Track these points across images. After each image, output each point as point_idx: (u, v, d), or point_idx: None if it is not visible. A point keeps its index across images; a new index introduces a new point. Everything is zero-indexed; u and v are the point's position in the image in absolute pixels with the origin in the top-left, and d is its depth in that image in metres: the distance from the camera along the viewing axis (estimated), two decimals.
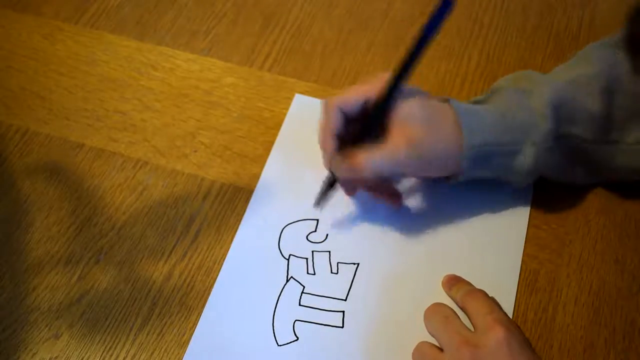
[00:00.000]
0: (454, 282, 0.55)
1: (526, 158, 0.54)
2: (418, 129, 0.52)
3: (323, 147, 0.55)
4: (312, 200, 0.60)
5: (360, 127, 0.54)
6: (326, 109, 0.54)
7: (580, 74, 0.56)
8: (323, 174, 0.62)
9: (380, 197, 0.59)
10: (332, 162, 0.55)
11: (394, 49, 0.70)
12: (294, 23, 0.72)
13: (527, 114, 0.54)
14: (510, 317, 0.53)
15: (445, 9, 0.49)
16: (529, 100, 0.55)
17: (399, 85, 0.52)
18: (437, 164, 0.54)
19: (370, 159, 0.52)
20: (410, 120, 0.52)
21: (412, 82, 0.53)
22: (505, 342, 0.47)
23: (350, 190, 0.58)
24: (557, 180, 0.58)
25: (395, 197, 0.59)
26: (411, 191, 0.60)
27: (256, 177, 0.62)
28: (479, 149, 0.53)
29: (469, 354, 0.47)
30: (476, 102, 0.58)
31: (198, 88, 0.68)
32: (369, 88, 0.53)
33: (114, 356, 0.53)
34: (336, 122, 0.54)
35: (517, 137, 0.54)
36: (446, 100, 0.55)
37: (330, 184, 0.57)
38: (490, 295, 0.53)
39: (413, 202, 0.60)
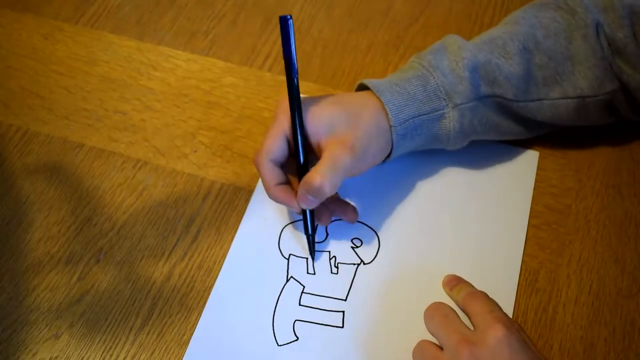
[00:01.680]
0: (454, 283, 0.55)
1: (450, 121, 0.56)
2: (344, 131, 0.54)
3: (282, 202, 0.55)
4: None
5: (296, 161, 0.55)
6: (258, 168, 0.55)
7: (499, 35, 0.58)
8: None
9: (341, 215, 0.59)
10: (297, 200, 0.54)
11: (394, 49, 0.70)
12: (294, 23, 0.72)
13: (447, 79, 0.56)
14: (510, 317, 0.53)
15: (287, 25, 0.51)
16: (448, 63, 0.56)
17: (296, 108, 0.53)
18: (376, 151, 0.55)
19: (322, 175, 0.52)
20: (334, 127, 0.54)
21: None
22: (505, 341, 0.47)
23: (325, 219, 0.58)
24: (493, 139, 0.60)
25: (352, 211, 0.59)
26: (411, 191, 0.60)
27: (256, 177, 0.62)
28: (406, 124, 0.55)
29: (469, 353, 0.47)
30: (397, 71, 0.59)
31: (198, 88, 0.68)
32: (280, 123, 0.54)
33: (114, 356, 0.53)
34: (271, 174, 0.55)
35: (439, 103, 0.56)
36: (364, 86, 0.57)
37: (310, 229, 0.56)
38: (490, 297, 0.53)
39: (413, 202, 0.60)
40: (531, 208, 0.59)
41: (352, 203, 0.60)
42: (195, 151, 0.64)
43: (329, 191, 0.53)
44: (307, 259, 0.57)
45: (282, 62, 0.69)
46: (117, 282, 0.57)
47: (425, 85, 0.56)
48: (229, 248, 0.58)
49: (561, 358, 0.53)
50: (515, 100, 0.57)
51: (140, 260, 0.58)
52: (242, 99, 0.67)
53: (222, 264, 0.57)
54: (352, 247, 0.58)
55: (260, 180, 0.61)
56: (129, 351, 0.54)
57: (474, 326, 0.50)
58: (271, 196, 0.55)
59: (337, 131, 0.54)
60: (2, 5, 0.74)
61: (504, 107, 0.58)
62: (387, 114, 0.55)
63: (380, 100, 0.55)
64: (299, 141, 0.54)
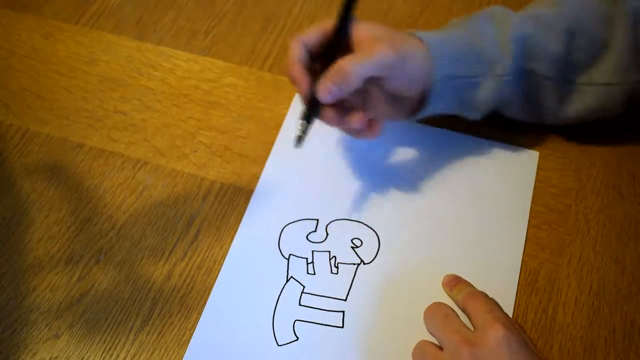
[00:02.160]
0: (454, 283, 0.55)
1: (488, 90, 0.57)
2: (391, 37, 0.54)
3: (295, 80, 0.54)
4: (313, 200, 0.60)
5: (325, 55, 0.54)
6: (290, 47, 0.55)
7: (546, 13, 0.58)
8: (323, 173, 0.62)
9: (360, 129, 0.56)
10: (320, 85, 0.52)
11: None
12: (294, 23, 0.72)
13: (493, 46, 0.56)
14: (510, 317, 0.53)
15: None
16: (496, 31, 0.57)
17: (350, 5, 0.53)
18: (412, 73, 0.54)
19: (354, 63, 0.52)
20: (378, 35, 0.53)
21: None
22: (505, 341, 0.47)
23: (332, 116, 0.55)
24: (507, 116, 0.61)
25: (373, 125, 0.57)
26: (411, 191, 0.60)
27: (256, 177, 0.62)
28: (448, 80, 0.56)
29: (468, 353, 0.47)
30: (443, 28, 0.59)
31: (198, 88, 0.68)
32: (324, 24, 0.55)
33: (114, 356, 0.53)
34: (301, 53, 0.54)
35: (483, 69, 0.57)
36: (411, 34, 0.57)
37: (309, 116, 0.55)
38: (490, 297, 0.53)
39: (413, 202, 0.60)
40: (531, 208, 0.59)
41: (352, 203, 0.60)
42: (195, 151, 0.64)
43: (355, 79, 0.52)
44: (307, 259, 0.57)
45: (282, 61, 0.69)
46: (117, 282, 0.57)
47: (473, 48, 0.56)
48: (229, 248, 0.58)
49: (561, 358, 0.53)
50: (551, 78, 0.57)
51: (140, 260, 0.58)
52: (242, 99, 0.67)
53: (222, 264, 0.57)
54: (352, 247, 0.58)
55: (260, 181, 0.61)
56: (129, 351, 0.54)
57: (473, 326, 0.50)
58: (289, 71, 0.54)
59: (382, 37, 0.53)
60: (2, 5, 0.74)
61: (538, 85, 0.58)
62: (431, 62, 0.55)
63: (427, 47, 0.55)
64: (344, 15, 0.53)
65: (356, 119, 0.55)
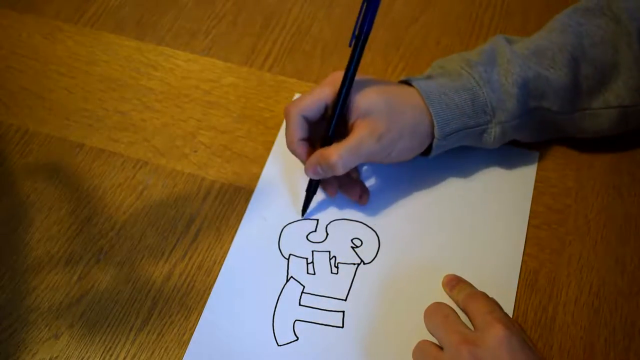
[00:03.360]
0: (454, 283, 0.55)
1: (494, 136, 0.57)
2: (381, 120, 0.54)
3: (295, 154, 0.57)
4: (313, 200, 0.60)
5: (324, 129, 0.56)
6: (287, 118, 0.56)
7: (548, 46, 0.57)
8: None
9: (351, 196, 0.59)
10: (305, 166, 0.56)
11: (394, 49, 0.70)
12: (294, 23, 0.72)
13: (496, 95, 0.56)
14: (510, 317, 0.53)
15: (375, 4, 0.53)
16: (498, 78, 0.56)
17: (349, 82, 0.54)
18: (403, 150, 0.56)
19: (339, 154, 0.54)
20: (372, 113, 0.54)
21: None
22: (506, 341, 0.47)
23: (331, 190, 0.59)
24: (523, 141, 0.61)
25: (363, 194, 0.60)
26: (411, 191, 0.60)
27: (256, 177, 0.62)
28: (450, 136, 0.56)
29: (469, 353, 0.47)
30: (446, 73, 0.58)
31: (198, 88, 0.68)
32: (326, 92, 0.56)
33: (114, 356, 0.53)
34: (299, 128, 0.56)
35: (485, 118, 0.56)
36: (407, 82, 0.57)
37: (312, 189, 0.58)
38: (491, 297, 0.53)
39: (413, 201, 0.60)
40: (531, 208, 0.59)
41: (352, 203, 0.60)
42: (195, 151, 0.64)
43: (341, 171, 0.54)
44: (307, 259, 0.57)
45: (282, 61, 0.69)
46: (117, 282, 0.57)
47: (474, 99, 0.56)
48: (229, 248, 0.58)
49: (561, 358, 0.53)
50: (560, 112, 0.57)
51: (140, 260, 0.58)
52: (242, 99, 0.67)
53: (222, 264, 0.57)
54: (352, 247, 0.58)
55: (260, 181, 0.61)
56: (129, 351, 0.54)
57: (474, 326, 0.50)
58: (291, 148, 0.57)
59: (374, 117, 0.54)
60: (2, 5, 0.74)
61: (547, 118, 0.58)
62: (431, 121, 0.55)
63: (426, 104, 0.55)
64: (337, 112, 0.55)
65: (352, 192, 0.59)
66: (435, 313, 0.53)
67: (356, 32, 0.54)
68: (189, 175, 0.62)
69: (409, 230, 0.59)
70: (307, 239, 0.58)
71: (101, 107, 0.67)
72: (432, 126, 0.56)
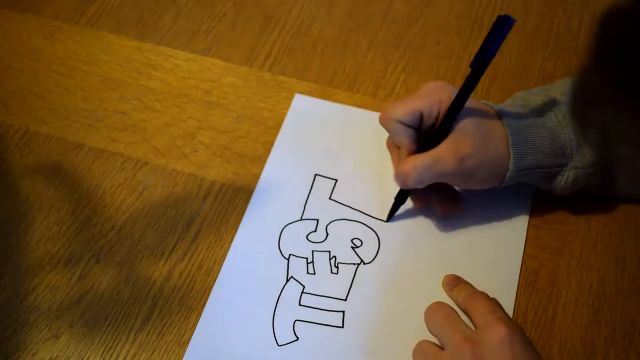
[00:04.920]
0: (455, 283, 0.55)
1: (566, 180, 0.55)
2: (468, 142, 0.53)
3: (392, 156, 0.58)
4: (312, 200, 0.60)
5: (425, 139, 0.55)
6: (385, 125, 0.56)
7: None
8: (323, 173, 0.62)
9: (440, 208, 0.58)
10: (394, 172, 0.56)
11: (394, 49, 0.70)
12: (294, 23, 0.72)
13: (575, 139, 0.54)
14: (510, 317, 0.53)
15: (508, 27, 0.50)
16: (578, 123, 0.54)
17: (462, 104, 0.53)
18: (480, 179, 0.55)
19: (414, 167, 0.53)
20: (462, 132, 0.53)
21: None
22: (507, 340, 0.47)
23: (418, 201, 0.59)
24: (597, 195, 0.58)
25: (457, 203, 0.58)
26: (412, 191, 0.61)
27: (256, 177, 0.62)
28: (524, 171, 0.54)
29: (470, 352, 0.47)
30: (528, 107, 0.57)
31: (198, 88, 0.68)
32: (422, 102, 0.54)
33: (114, 356, 0.53)
34: (401, 131, 0.55)
35: (562, 160, 0.55)
36: (496, 112, 0.55)
37: (401, 196, 0.58)
38: (492, 297, 0.53)
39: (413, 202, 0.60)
40: (531, 208, 0.59)
41: (353, 203, 0.60)
42: (195, 151, 0.64)
43: (411, 184, 0.54)
44: (307, 259, 0.57)
45: (282, 61, 0.69)
46: (117, 282, 0.57)
47: (554, 139, 0.54)
48: (229, 248, 0.58)
49: (561, 358, 0.53)
50: (632, 158, 0.55)
51: (140, 260, 0.58)
52: (242, 99, 0.67)
53: (222, 264, 0.57)
54: (352, 247, 0.58)
55: (260, 181, 0.61)
56: (129, 351, 0.54)
57: (475, 326, 0.50)
58: (389, 146, 0.58)
59: (462, 136, 0.53)
60: (2, 6, 0.74)
61: (624, 167, 0.56)
62: (509, 154, 0.54)
63: (508, 136, 0.54)
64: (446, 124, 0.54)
65: (440, 209, 0.58)
66: (436, 312, 0.53)
67: (480, 55, 0.51)
68: (189, 175, 0.62)
69: (409, 230, 0.59)
70: (307, 239, 0.58)
71: (101, 107, 0.67)
72: (509, 159, 0.54)
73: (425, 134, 0.55)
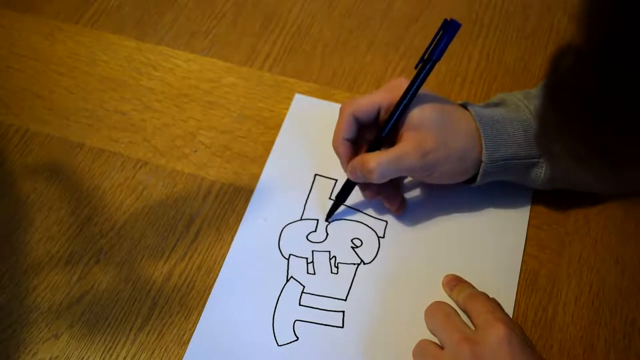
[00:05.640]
0: (454, 283, 0.55)
1: (542, 170, 0.55)
2: (430, 136, 0.53)
3: (336, 152, 0.57)
4: (312, 200, 0.60)
5: (374, 134, 0.55)
6: (340, 114, 0.56)
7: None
8: (323, 173, 0.62)
9: (389, 205, 0.59)
10: (348, 167, 0.56)
11: (394, 49, 0.70)
12: (294, 23, 0.72)
13: None
14: (510, 317, 0.53)
15: (453, 31, 0.51)
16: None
17: (411, 100, 0.53)
18: (446, 173, 0.55)
19: (378, 163, 0.53)
20: (424, 127, 0.53)
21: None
22: (507, 340, 0.47)
23: (369, 194, 0.58)
24: (582, 191, 0.58)
25: (401, 205, 0.59)
26: (411, 191, 0.60)
27: (256, 177, 0.62)
28: (497, 163, 0.54)
29: (469, 351, 0.47)
30: (503, 103, 0.57)
31: (198, 88, 0.68)
32: (383, 96, 0.55)
33: (114, 356, 0.53)
34: (348, 127, 0.55)
35: (536, 151, 0.54)
36: (464, 106, 0.56)
37: (342, 197, 0.58)
38: (491, 297, 0.53)
39: (413, 202, 0.60)
40: (531, 208, 0.59)
41: (353, 203, 0.60)
42: (195, 151, 0.64)
43: (376, 179, 0.54)
44: (307, 259, 0.57)
45: (282, 61, 0.69)
46: (117, 282, 0.57)
47: (527, 130, 0.54)
48: (229, 248, 0.58)
49: (561, 358, 0.53)
50: None
51: (140, 260, 0.58)
52: (242, 99, 0.67)
53: (222, 264, 0.57)
54: (352, 247, 0.58)
55: (260, 181, 0.61)
56: (129, 351, 0.54)
57: (475, 326, 0.50)
58: (334, 145, 0.57)
59: (424, 131, 0.53)
60: (2, 6, 0.74)
61: None
62: (481, 147, 0.54)
63: (478, 129, 0.54)
64: (394, 119, 0.54)
65: (390, 203, 0.58)
66: (436, 312, 0.53)
67: (425, 57, 0.53)
68: (189, 175, 0.62)
69: (409, 230, 0.59)
70: (307, 239, 0.58)
71: (101, 107, 0.67)
72: (481, 153, 0.54)
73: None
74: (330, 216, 0.59)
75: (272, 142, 0.64)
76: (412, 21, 0.72)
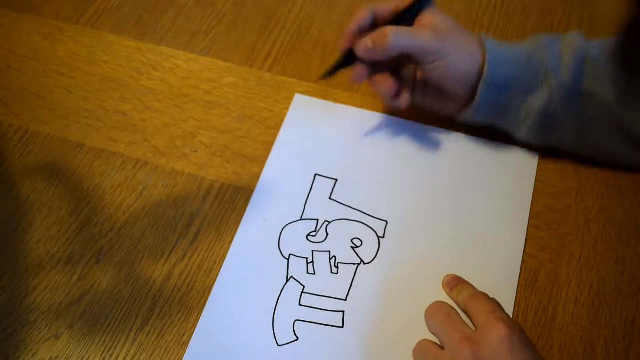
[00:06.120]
0: (455, 283, 0.55)
1: (537, 99, 0.56)
2: (444, 27, 0.56)
3: (344, 34, 0.58)
4: (312, 200, 0.60)
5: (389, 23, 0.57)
6: (358, 11, 0.58)
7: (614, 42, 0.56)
8: (323, 173, 0.62)
9: (383, 91, 0.59)
10: (359, 41, 0.57)
11: None
12: (294, 23, 0.72)
13: (553, 58, 0.56)
14: (510, 317, 0.53)
15: None
16: (559, 47, 0.57)
17: None
18: (455, 69, 0.56)
19: (395, 32, 0.55)
20: (438, 23, 0.57)
21: None
22: (507, 339, 0.47)
23: (360, 73, 0.59)
24: (572, 144, 0.59)
25: (403, 92, 0.59)
26: (411, 191, 0.60)
27: (256, 177, 0.62)
28: (498, 79, 0.56)
29: (470, 351, 0.47)
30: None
31: (198, 88, 0.68)
32: (399, 1, 0.58)
33: (114, 356, 0.53)
34: (365, 20, 0.58)
35: (536, 77, 0.56)
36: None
37: (346, 61, 0.59)
38: (492, 298, 0.53)
39: (413, 201, 0.60)
40: (531, 208, 0.59)
41: (353, 203, 0.60)
42: (195, 151, 0.64)
43: (389, 45, 0.55)
44: (307, 259, 0.57)
45: (282, 61, 0.69)
46: (117, 282, 0.57)
47: (531, 58, 0.57)
48: (229, 248, 0.58)
49: (561, 358, 0.53)
50: (615, 103, 0.56)
51: (140, 260, 0.58)
52: (242, 99, 0.67)
53: (222, 264, 0.57)
54: (352, 247, 0.58)
55: (260, 181, 0.61)
56: (129, 351, 0.54)
57: (475, 326, 0.50)
58: (346, 28, 0.59)
59: (439, 22, 0.57)
60: (2, 6, 0.74)
61: (602, 111, 0.56)
62: (485, 59, 0.56)
63: (484, 46, 0.57)
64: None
65: (384, 84, 0.58)
66: (436, 312, 0.53)
67: None
68: (189, 175, 0.62)
69: (408, 230, 0.59)
70: (307, 239, 0.58)
71: (101, 107, 0.67)
72: (484, 65, 0.56)
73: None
74: (331, 73, 0.60)
75: (272, 142, 0.64)
76: None
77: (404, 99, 0.59)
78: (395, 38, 0.55)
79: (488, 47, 0.57)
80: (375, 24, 0.58)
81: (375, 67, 0.58)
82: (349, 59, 0.59)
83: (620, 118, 0.56)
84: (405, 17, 0.58)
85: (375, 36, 0.56)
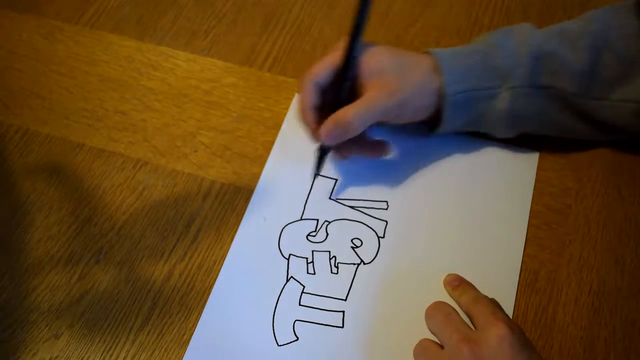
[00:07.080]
0: (457, 283, 0.55)
1: (501, 102, 0.57)
2: (391, 78, 0.55)
3: (305, 122, 0.58)
4: (312, 200, 0.60)
5: (335, 92, 0.56)
6: (301, 86, 0.57)
7: (571, 28, 0.58)
8: (323, 173, 0.62)
9: (369, 153, 0.60)
10: (321, 131, 0.56)
11: None
12: (294, 23, 0.72)
13: (509, 59, 0.56)
14: (510, 317, 0.53)
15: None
16: (513, 44, 0.57)
17: (355, 43, 0.55)
18: (418, 107, 0.57)
19: (354, 112, 0.54)
20: (383, 72, 0.55)
21: None
22: (507, 339, 0.47)
23: (344, 153, 0.59)
24: (553, 134, 0.60)
25: (381, 146, 0.60)
26: (411, 191, 0.60)
27: (256, 177, 0.62)
28: (459, 95, 0.56)
29: (470, 351, 0.47)
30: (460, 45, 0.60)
31: (198, 88, 0.68)
32: (334, 55, 0.56)
33: (114, 356, 0.53)
34: (312, 95, 0.56)
35: (495, 82, 0.56)
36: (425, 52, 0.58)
37: (322, 154, 0.59)
38: (492, 298, 0.53)
39: (413, 201, 0.60)
40: (531, 208, 0.59)
41: (353, 202, 0.60)
42: (195, 151, 0.64)
43: (356, 128, 0.54)
44: (307, 259, 0.57)
45: (282, 61, 0.69)
46: (117, 282, 0.57)
47: (486, 61, 0.57)
48: (229, 248, 0.58)
49: (561, 358, 0.53)
50: (575, 95, 0.57)
51: (140, 260, 0.58)
52: (242, 99, 0.67)
53: (222, 264, 0.57)
54: (352, 247, 0.58)
55: (260, 181, 0.61)
56: (129, 351, 0.54)
57: (475, 327, 0.50)
58: (302, 116, 0.58)
59: (385, 76, 0.55)
60: (2, 5, 0.74)
61: (564, 101, 0.57)
62: (441, 80, 0.56)
63: (437, 65, 0.56)
64: (346, 67, 0.56)
65: (370, 151, 0.60)
66: (436, 311, 0.53)
67: None
68: (189, 175, 0.62)
69: (409, 230, 0.59)
70: (307, 239, 0.58)
71: (101, 107, 0.67)
72: (442, 87, 0.56)
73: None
74: (319, 170, 0.60)
75: (272, 142, 0.64)
76: (412, 21, 0.72)
77: (387, 150, 0.60)
78: (358, 118, 0.54)
79: (443, 64, 0.56)
80: (324, 92, 0.57)
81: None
82: (324, 150, 0.59)
83: (582, 106, 0.57)
84: (347, 74, 0.56)
85: (339, 126, 0.54)
